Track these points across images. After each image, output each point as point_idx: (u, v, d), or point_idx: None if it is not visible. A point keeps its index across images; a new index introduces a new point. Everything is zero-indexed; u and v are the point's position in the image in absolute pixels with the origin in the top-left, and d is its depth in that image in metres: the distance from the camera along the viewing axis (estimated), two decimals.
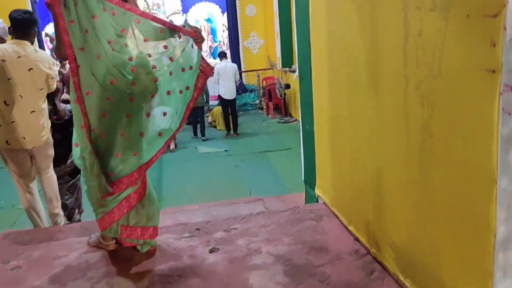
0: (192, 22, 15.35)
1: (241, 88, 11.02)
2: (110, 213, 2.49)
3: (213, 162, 7.60)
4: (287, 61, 10.57)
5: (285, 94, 10.00)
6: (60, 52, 2.27)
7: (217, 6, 15.28)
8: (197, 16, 15.45)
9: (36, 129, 3.22)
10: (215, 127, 9.97)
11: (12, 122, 3.10)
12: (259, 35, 12.07)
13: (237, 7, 11.82)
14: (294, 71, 10.00)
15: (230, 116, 9.14)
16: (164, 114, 2.44)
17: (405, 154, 1.71)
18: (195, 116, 9.35)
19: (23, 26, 3.12)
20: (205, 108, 10.84)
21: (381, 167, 1.91)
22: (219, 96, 9.10)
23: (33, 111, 3.17)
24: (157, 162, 7.50)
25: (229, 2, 11.96)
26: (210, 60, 14.49)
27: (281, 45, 10.65)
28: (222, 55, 9.11)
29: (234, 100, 9.10)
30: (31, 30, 3.20)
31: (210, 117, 10.20)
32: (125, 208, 2.52)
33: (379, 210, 1.99)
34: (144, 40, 2.32)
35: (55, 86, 3.34)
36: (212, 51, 15.61)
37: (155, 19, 2.37)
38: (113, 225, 2.52)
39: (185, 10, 15.25)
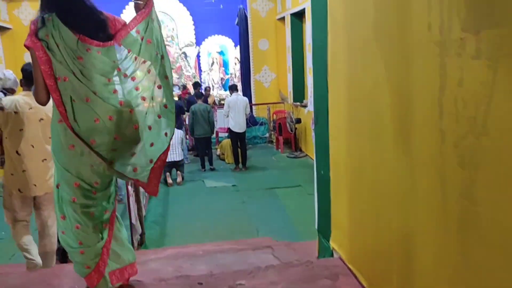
0: (204, 54, 15.48)
1: (251, 121, 10.89)
2: (96, 269, 2.31)
3: (220, 197, 7.37)
4: (298, 95, 10.46)
5: (295, 128, 9.83)
6: (39, 96, 2.20)
7: (230, 39, 15.42)
8: (210, 49, 15.58)
9: (46, 176, 3.32)
10: (223, 159, 9.79)
11: (23, 171, 3.24)
12: (271, 69, 12.03)
13: (250, 41, 11.84)
14: (305, 106, 9.88)
15: (239, 150, 8.97)
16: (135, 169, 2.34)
17: (441, 220, 1.48)
18: (202, 148, 9.20)
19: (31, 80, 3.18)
20: (213, 139, 10.73)
21: (410, 230, 1.69)
22: (228, 128, 8.96)
23: (44, 159, 3.29)
24: (163, 195, 7.29)
25: (242, 35, 11.99)
26: (221, 92, 14.50)
27: (293, 79, 10.57)
28: (233, 88, 9.02)
29: (244, 133, 8.95)
30: None
31: (219, 150, 10.03)
32: (106, 256, 2.36)
33: (406, 278, 1.75)
34: (132, 79, 2.24)
35: None
36: (223, 83, 15.64)
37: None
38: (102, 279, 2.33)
39: (198, 42, 15.38)
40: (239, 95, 8.90)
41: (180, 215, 6.55)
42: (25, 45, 2.17)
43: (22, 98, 3.21)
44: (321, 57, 2.55)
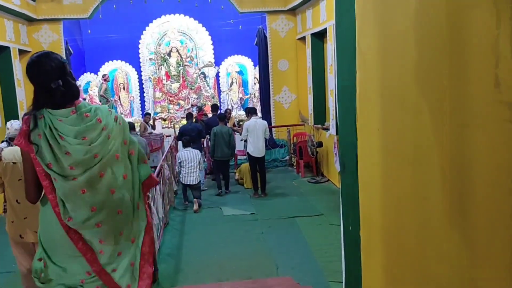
0: (223, 75, 15.34)
1: (270, 144, 10.58)
2: None
3: (238, 226, 7.04)
4: (319, 117, 10.13)
5: (317, 152, 9.48)
6: (30, 195, 2.29)
7: (249, 59, 15.27)
8: (229, 69, 15.45)
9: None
10: (242, 184, 9.48)
11: (24, 218, 3.33)
12: (290, 89, 11.76)
13: (269, 61, 11.62)
14: (327, 129, 9.53)
15: (258, 175, 8.65)
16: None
17: None
18: (220, 170, 8.93)
19: None
20: (232, 162, 10.46)
21: None
22: (247, 153, 8.67)
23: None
24: (179, 225, 6.98)
25: (261, 56, 11.78)
26: (240, 113, 14.26)
27: (314, 101, 10.26)
28: (252, 112, 8.75)
29: (263, 158, 8.64)
30: None
31: (237, 174, 9.73)
32: None
33: None
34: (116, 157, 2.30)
35: None
36: (242, 103, 15.44)
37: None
38: None
39: (217, 62, 15.28)
40: (258, 118, 8.62)
41: (196, 248, 6.24)
42: (21, 150, 2.23)
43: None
44: (349, 98, 2.23)
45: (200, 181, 8.26)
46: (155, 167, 7.46)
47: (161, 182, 7.13)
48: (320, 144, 9.37)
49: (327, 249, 6.02)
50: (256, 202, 8.31)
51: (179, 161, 8.14)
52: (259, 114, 13.04)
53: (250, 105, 15.19)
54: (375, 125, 1.99)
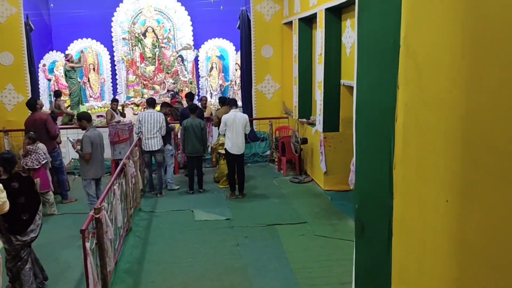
0: (203, 59, 14.31)
1: (250, 137, 9.69)
2: None
3: (210, 235, 6.21)
4: (304, 111, 9.30)
5: (301, 149, 8.67)
6: None
7: (231, 43, 14.27)
8: (209, 52, 14.42)
9: None
10: (218, 182, 8.63)
11: None
12: (274, 79, 10.87)
13: (252, 47, 10.68)
14: (312, 124, 8.71)
15: (236, 174, 7.81)
16: None
17: None
18: (192, 167, 8.07)
19: None
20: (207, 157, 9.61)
21: None
22: (225, 149, 7.80)
23: None
24: (144, 231, 6.04)
25: (243, 40, 10.83)
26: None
27: (299, 92, 9.40)
28: (232, 104, 7.84)
29: (242, 155, 7.80)
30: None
31: (216, 174, 8.76)
32: None
33: None
34: None
35: (5, 209, 3.97)
36: (223, 89, 14.48)
37: None
38: None
39: (197, 45, 14.23)
40: (237, 112, 7.72)
41: (160, 263, 5.39)
42: None
43: None
44: (378, 128, 1.40)
45: (161, 147, 7.98)
46: (121, 160, 6.55)
47: (124, 181, 6.22)
48: (305, 141, 8.56)
49: (311, 267, 5.27)
50: (232, 204, 7.48)
51: (139, 125, 7.80)
52: (239, 103, 12.15)
53: (231, 93, 14.27)
54: (442, 193, 1.13)
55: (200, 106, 9.28)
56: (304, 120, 9.07)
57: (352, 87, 7.19)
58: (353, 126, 1.78)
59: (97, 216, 4.13)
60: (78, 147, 6.27)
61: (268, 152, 10.20)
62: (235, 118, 7.56)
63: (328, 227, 6.42)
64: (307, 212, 6.97)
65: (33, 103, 7.73)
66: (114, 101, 10.00)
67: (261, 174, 9.23)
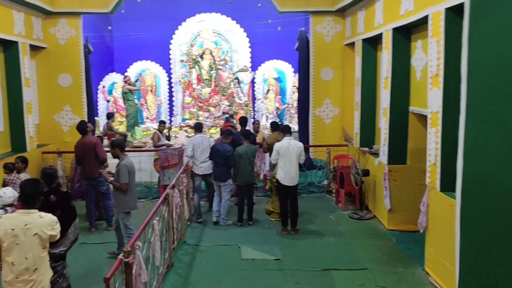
0: (260, 81, 13.91)
1: (306, 164, 8.97)
2: None
3: (257, 278, 5.57)
4: (366, 139, 8.50)
5: (362, 182, 7.85)
6: None
7: (289, 65, 13.79)
8: (266, 74, 14.02)
9: (37, 285, 3.63)
10: (269, 213, 8.00)
11: (17, 277, 3.58)
12: (334, 103, 10.17)
13: (311, 69, 10.08)
14: (375, 154, 7.90)
15: (289, 206, 7.15)
16: None
17: None
18: (243, 197, 7.55)
19: (30, 200, 3.71)
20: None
21: None
22: (276, 180, 7.19)
23: (36, 269, 3.62)
24: (185, 268, 5.42)
25: (302, 62, 10.26)
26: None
27: (361, 118, 8.64)
28: (286, 131, 7.25)
29: (296, 187, 7.15)
30: (37, 200, 3.78)
31: (269, 206, 8.11)
32: None
33: None
34: None
35: (57, 238, 3.80)
36: (279, 113, 13.96)
37: None
38: None
39: (254, 67, 13.89)
40: (291, 139, 7.10)
41: None
42: None
43: (19, 215, 3.67)
44: None
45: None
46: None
47: (167, 213, 5.78)
48: (366, 173, 7.75)
49: None
50: (283, 241, 6.80)
51: (192, 148, 7.74)
52: (295, 127, 11.54)
53: (287, 116, 13.72)
54: None
55: (252, 131, 8.78)
56: (366, 149, 8.27)
57: (423, 116, 6.36)
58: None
59: (126, 260, 3.65)
60: (111, 178, 5.98)
61: (325, 182, 9.45)
62: (289, 146, 6.95)
63: (392, 276, 5.56)
64: (367, 256, 6.14)
65: (83, 127, 7.58)
66: (162, 123, 9.70)
67: (316, 206, 8.49)
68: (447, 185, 5.18)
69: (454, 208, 4.86)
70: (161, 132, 9.26)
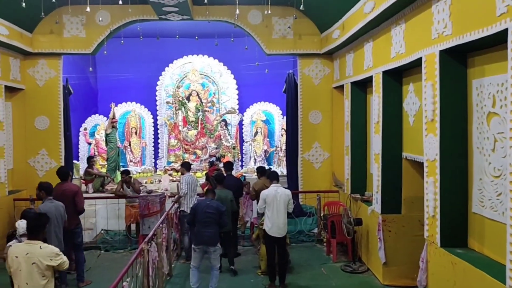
0: (247, 122, 13.61)
1: (295, 211, 8.48)
2: None
3: None
4: (358, 185, 8.09)
5: (354, 232, 7.37)
6: None
7: (277, 107, 13.54)
8: (254, 116, 13.73)
9: None
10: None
11: None
12: (323, 147, 9.83)
13: (299, 112, 9.80)
14: (367, 201, 7.48)
15: (276, 259, 6.62)
16: None
17: None
18: (224, 245, 7.00)
19: (33, 232, 4.19)
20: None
21: None
22: (263, 230, 6.69)
23: None
24: None
25: (290, 105, 10.00)
26: (265, 166, 12.20)
27: (352, 164, 8.26)
28: (273, 177, 6.82)
29: (284, 238, 6.64)
30: (40, 232, 4.24)
31: (259, 260, 7.52)
32: None
33: None
34: None
35: (65, 267, 4.26)
36: (267, 155, 13.58)
37: None
38: None
39: (242, 109, 13.62)
40: (279, 186, 6.66)
41: None
42: None
43: (23, 245, 4.16)
44: None
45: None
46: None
47: (142, 271, 5.21)
48: (359, 222, 7.29)
49: None
50: None
51: (186, 186, 7.51)
52: (284, 171, 11.13)
53: (276, 159, 13.33)
54: None
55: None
56: (358, 196, 7.84)
57: (417, 162, 6.00)
58: None
59: None
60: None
61: (316, 230, 8.94)
62: (276, 194, 6.50)
63: None
64: None
65: (66, 172, 7.08)
66: (125, 173, 8.81)
67: (307, 258, 7.94)
68: (448, 240, 4.73)
69: (457, 266, 4.41)
70: (126, 182, 8.61)
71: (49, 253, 4.09)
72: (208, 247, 6.12)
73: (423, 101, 5.15)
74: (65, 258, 4.22)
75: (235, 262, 7.32)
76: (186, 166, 8.15)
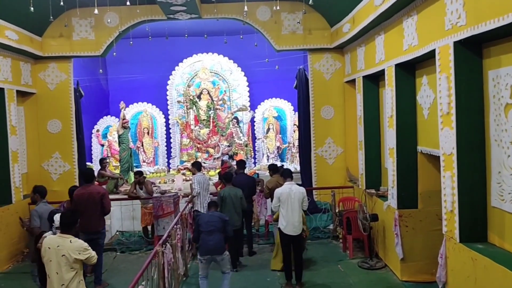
0: (259, 120, 13.54)
1: (310, 208, 8.38)
2: None
3: None
4: (373, 180, 7.99)
5: (370, 228, 7.28)
6: None
7: (289, 103, 13.45)
8: (266, 113, 13.65)
9: None
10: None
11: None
12: (336, 142, 9.73)
13: (311, 108, 9.70)
14: (383, 196, 7.37)
15: (292, 257, 6.56)
16: None
17: None
18: (232, 242, 7.05)
19: (66, 226, 4.47)
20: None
21: None
22: (278, 228, 6.64)
23: (62, 285, 4.30)
24: None
25: (301, 101, 9.89)
26: (277, 162, 12.11)
27: (366, 159, 8.16)
28: (286, 175, 6.76)
29: (299, 236, 6.57)
30: (72, 228, 4.52)
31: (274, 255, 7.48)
32: None
33: None
34: None
35: (93, 262, 4.54)
36: (280, 152, 13.50)
37: None
38: None
39: (253, 106, 13.54)
40: (293, 184, 6.60)
41: None
42: None
43: (55, 238, 4.50)
44: None
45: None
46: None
47: (157, 273, 5.19)
48: (375, 218, 7.19)
49: None
50: None
51: (198, 186, 7.60)
52: (297, 167, 11.04)
53: (289, 155, 13.24)
54: None
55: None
56: (373, 191, 7.74)
57: (433, 156, 5.88)
58: None
59: None
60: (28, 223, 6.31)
61: (331, 227, 8.86)
62: (290, 192, 6.43)
63: None
64: None
65: (91, 174, 7.06)
66: (138, 173, 8.74)
67: (322, 255, 7.87)
68: (468, 235, 4.62)
69: (477, 262, 4.31)
70: (140, 183, 8.56)
71: (78, 247, 4.34)
72: (214, 256, 5.89)
73: (437, 93, 5.03)
74: (93, 253, 4.45)
75: (249, 259, 7.45)
76: (197, 166, 8.12)
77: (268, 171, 8.41)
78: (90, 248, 4.44)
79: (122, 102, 11.80)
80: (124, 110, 11.63)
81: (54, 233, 5.00)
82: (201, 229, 6.01)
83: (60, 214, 5.13)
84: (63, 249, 4.28)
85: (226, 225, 6.07)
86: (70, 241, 4.35)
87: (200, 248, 6.04)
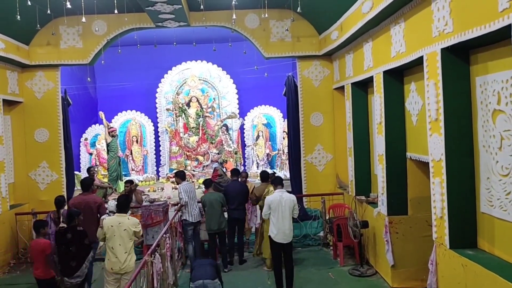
0: (249, 126, 13.54)
1: (300, 215, 8.30)
2: None
3: None
4: (362, 187, 8.00)
5: (361, 235, 7.27)
6: None
7: (278, 110, 13.48)
8: (255, 120, 13.67)
9: (128, 261, 5.50)
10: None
11: (116, 257, 5.45)
12: (325, 148, 9.74)
13: (300, 115, 9.71)
14: (373, 202, 7.38)
15: (283, 266, 6.52)
16: None
17: None
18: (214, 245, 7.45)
19: (122, 207, 5.79)
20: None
21: None
22: (269, 236, 6.59)
23: (125, 252, 5.49)
24: None
25: (290, 108, 9.90)
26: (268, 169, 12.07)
27: (355, 165, 8.17)
28: (277, 182, 6.73)
29: (290, 244, 6.54)
30: (127, 208, 5.96)
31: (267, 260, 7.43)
32: None
33: None
34: None
35: (141, 234, 5.85)
36: (270, 159, 13.51)
37: None
38: None
39: (242, 113, 13.56)
40: (283, 191, 6.58)
41: None
42: None
43: (115, 217, 5.67)
44: None
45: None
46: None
47: (146, 283, 5.12)
48: (365, 224, 7.18)
49: None
50: None
51: (185, 195, 7.52)
52: (287, 174, 11.03)
53: (278, 162, 13.24)
54: None
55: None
56: (363, 197, 7.75)
57: (422, 162, 5.90)
58: None
59: None
60: None
61: (321, 234, 8.83)
62: (281, 199, 6.41)
63: None
64: None
65: (90, 183, 7.00)
66: (128, 182, 8.52)
67: (313, 262, 7.83)
68: (458, 241, 4.63)
69: (467, 268, 4.31)
70: (131, 191, 8.42)
71: (134, 222, 5.61)
72: (205, 282, 5.38)
73: (425, 100, 5.07)
74: (140, 227, 5.74)
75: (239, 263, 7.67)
76: (180, 176, 7.96)
77: (258, 178, 8.39)
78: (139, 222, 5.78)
79: (100, 112, 11.79)
80: (104, 118, 11.54)
81: (109, 215, 6.31)
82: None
83: (113, 201, 6.83)
84: (123, 225, 5.45)
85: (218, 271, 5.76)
86: (128, 218, 5.64)
87: (192, 275, 5.65)
